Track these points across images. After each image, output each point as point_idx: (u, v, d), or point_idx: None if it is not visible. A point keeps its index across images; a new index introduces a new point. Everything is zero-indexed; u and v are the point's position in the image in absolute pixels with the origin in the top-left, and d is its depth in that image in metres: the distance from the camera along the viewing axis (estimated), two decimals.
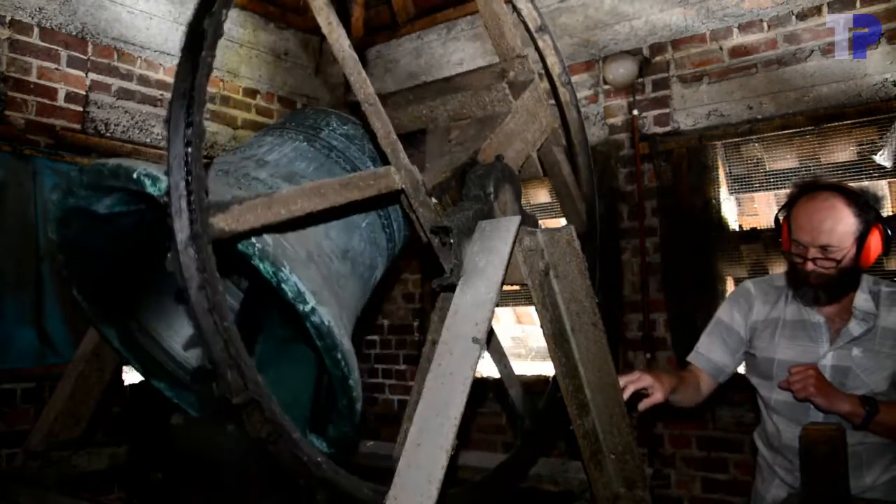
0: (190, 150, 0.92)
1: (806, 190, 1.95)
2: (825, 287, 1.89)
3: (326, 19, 1.16)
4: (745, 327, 2.10)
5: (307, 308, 1.22)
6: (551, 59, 1.89)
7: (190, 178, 0.92)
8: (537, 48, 1.87)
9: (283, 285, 1.20)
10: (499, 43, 1.76)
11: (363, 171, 1.27)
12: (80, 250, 1.57)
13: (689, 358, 2.17)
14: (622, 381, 1.79)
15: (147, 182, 1.20)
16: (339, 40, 1.17)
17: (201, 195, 0.93)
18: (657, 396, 1.89)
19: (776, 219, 2.02)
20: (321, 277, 1.36)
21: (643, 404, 1.87)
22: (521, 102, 1.67)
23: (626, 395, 1.79)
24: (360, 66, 1.20)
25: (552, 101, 1.88)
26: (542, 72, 1.90)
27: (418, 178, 1.31)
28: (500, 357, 1.67)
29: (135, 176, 1.22)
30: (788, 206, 1.97)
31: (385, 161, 1.29)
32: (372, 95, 1.22)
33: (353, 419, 1.38)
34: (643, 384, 1.86)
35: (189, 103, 0.94)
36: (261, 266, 1.20)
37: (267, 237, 1.21)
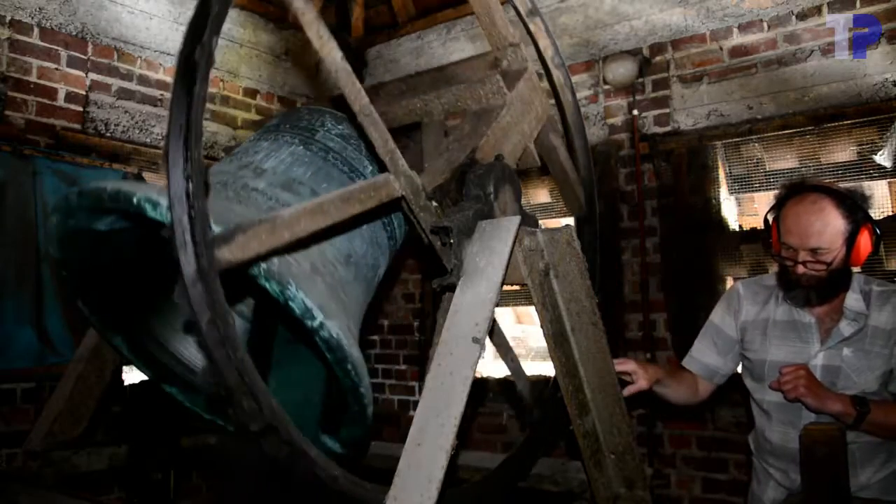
0: (191, 185, 0.92)
1: (794, 191, 1.94)
2: (816, 288, 1.89)
3: (317, 33, 1.14)
4: (735, 329, 2.11)
5: (315, 324, 1.22)
6: (543, 43, 1.88)
7: (193, 212, 0.91)
8: (529, 32, 1.86)
9: (291, 303, 1.20)
10: (490, 32, 1.74)
11: (363, 183, 1.25)
12: (83, 266, 1.58)
13: (683, 363, 2.20)
14: None
15: (148, 207, 1.19)
16: (331, 53, 1.15)
17: (205, 229, 0.93)
18: (641, 384, 1.94)
19: (765, 220, 2.02)
20: (327, 288, 1.36)
21: (626, 391, 1.88)
22: (516, 93, 1.65)
23: None
24: (353, 77, 1.18)
25: (546, 86, 1.86)
26: (536, 58, 1.88)
27: (418, 183, 1.31)
28: (506, 351, 1.70)
29: (135, 201, 1.21)
30: (777, 208, 1.97)
31: (382, 166, 1.29)
32: (367, 106, 1.20)
33: (364, 423, 1.40)
34: (625, 368, 1.91)
35: (186, 137, 0.93)
36: (267, 286, 1.19)
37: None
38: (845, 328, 1.90)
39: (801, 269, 1.87)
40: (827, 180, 2.26)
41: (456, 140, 1.58)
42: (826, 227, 1.84)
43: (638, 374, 1.93)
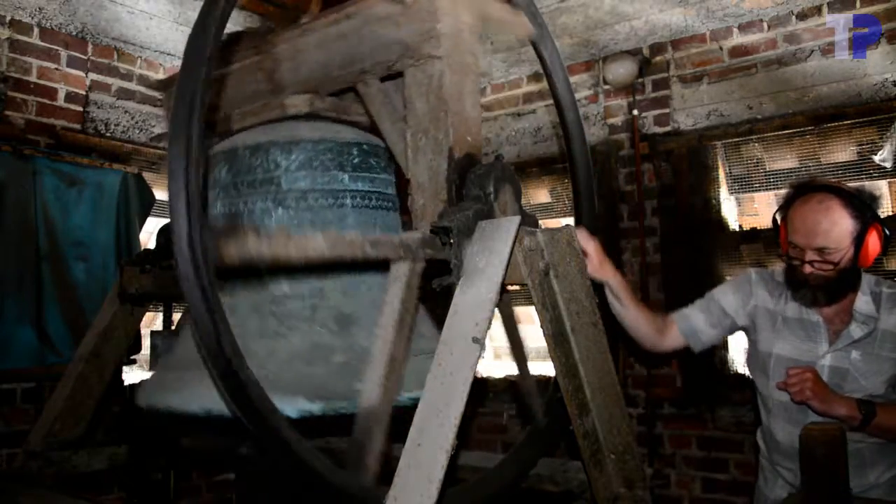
0: None
1: (802, 191, 1.93)
2: (824, 289, 1.87)
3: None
4: (741, 310, 2.07)
5: None
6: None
7: None
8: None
9: None
10: None
11: (397, 289, 1.35)
12: None
13: (672, 314, 2.16)
14: None
15: None
16: None
17: None
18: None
19: (773, 219, 2.01)
20: None
21: None
22: (447, 37, 1.41)
23: None
24: None
25: None
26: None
27: (430, 238, 1.37)
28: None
29: None
30: (784, 207, 1.95)
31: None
32: None
33: None
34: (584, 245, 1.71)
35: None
36: None
37: None
38: (855, 331, 1.88)
39: (808, 268, 1.86)
40: (831, 180, 2.25)
41: (421, 132, 1.48)
42: (833, 226, 1.83)
43: (591, 259, 1.74)
